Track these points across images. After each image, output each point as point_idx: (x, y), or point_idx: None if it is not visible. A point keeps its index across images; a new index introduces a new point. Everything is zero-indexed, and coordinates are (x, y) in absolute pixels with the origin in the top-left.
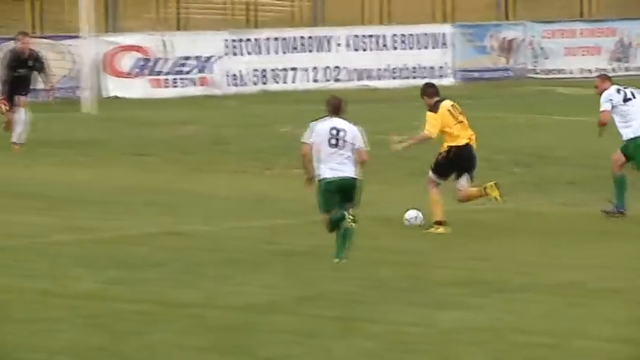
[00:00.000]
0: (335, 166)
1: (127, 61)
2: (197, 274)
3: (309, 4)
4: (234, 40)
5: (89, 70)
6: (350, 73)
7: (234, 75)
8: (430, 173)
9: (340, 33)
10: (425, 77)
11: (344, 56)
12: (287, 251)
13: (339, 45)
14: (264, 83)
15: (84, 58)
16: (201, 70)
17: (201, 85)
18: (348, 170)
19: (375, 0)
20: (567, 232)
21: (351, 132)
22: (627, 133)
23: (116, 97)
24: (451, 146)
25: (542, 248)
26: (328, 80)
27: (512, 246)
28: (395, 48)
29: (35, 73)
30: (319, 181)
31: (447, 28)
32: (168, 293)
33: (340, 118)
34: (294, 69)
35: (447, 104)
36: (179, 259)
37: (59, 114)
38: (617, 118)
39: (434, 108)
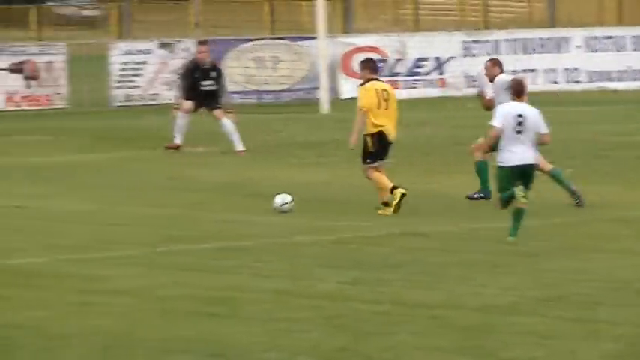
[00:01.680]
0: (518, 152)
1: None
2: (437, 275)
3: (542, 5)
4: (470, 42)
5: (326, 72)
6: (589, 75)
7: (472, 76)
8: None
9: (577, 34)
10: None
11: (582, 57)
12: (527, 252)
13: (578, 47)
14: None
15: (320, 60)
16: (437, 72)
17: (439, 86)
18: (529, 156)
19: (610, 0)
20: None
21: (533, 117)
22: None
23: (353, 99)
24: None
25: None
26: (568, 82)
27: None
28: (634, 50)
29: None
30: (501, 166)
31: None
32: (409, 294)
33: (523, 102)
34: (532, 70)
35: (377, 85)
36: (419, 260)
37: (297, 115)
38: None
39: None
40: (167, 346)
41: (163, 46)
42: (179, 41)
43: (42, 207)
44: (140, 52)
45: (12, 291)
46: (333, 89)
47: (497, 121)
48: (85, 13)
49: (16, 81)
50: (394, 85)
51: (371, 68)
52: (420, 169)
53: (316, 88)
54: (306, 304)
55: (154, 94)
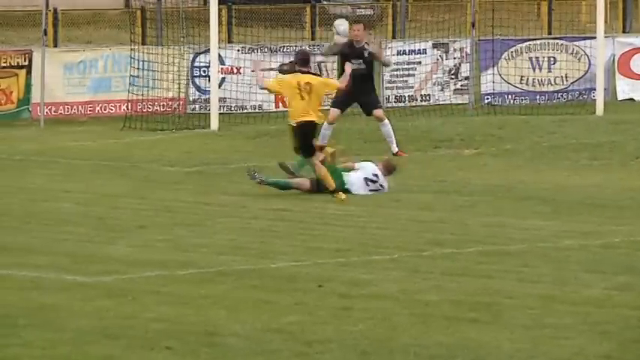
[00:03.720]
0: None
1: None
2: None
3: None
4: None
5: (603, 72)
6: None
7: None
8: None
9: None
10: None
11: None
12: None
13: None
14: None
15: (598, 60)
16: None
17: None
18: None
19: None
20: None
21: None
22: None
23: (631, 100)
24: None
25: None
26: None
27: None
28: None
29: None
30: None
31: None
32: None
33: None
34: None
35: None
36: None
37: (572, 116)
38: None
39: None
40: (427, 352)
41: (437, 46)
42: (454, 41)
43: (305, 209)
44: (413, 51)
45: (273, 295)
46: (610, 90)
47: None
48: (360, 12)
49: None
50: None
51: (299, 61)
52: None
53: (592, 89)
54: (572, 311)
55: (425, 95)
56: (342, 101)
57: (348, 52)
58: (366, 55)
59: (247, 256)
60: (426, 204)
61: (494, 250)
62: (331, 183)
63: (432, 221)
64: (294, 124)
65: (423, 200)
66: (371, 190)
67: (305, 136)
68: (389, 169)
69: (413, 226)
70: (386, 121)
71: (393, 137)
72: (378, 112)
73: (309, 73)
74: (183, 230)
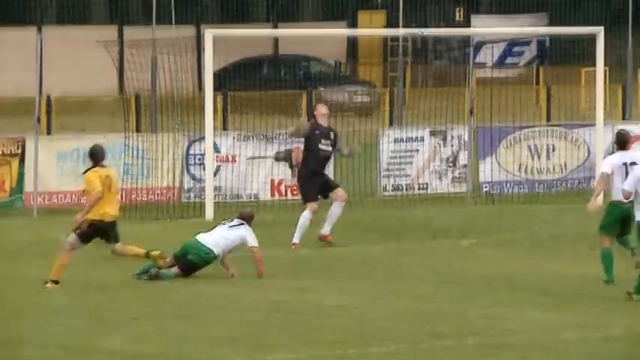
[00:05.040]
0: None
1: None
2: None
3: None
4: None
5: (602, 161)
6: None
7: None
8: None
9: None
10: None
11: None
12: None
13: None
14: None
15: (598, 148)
16: None
17: None
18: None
19: None
20: None
21: None
22: None
23: None
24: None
25: None
26: None
27: None
28: None
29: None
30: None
31: None
32: None
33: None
34: None
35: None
36: None
37: (571, 205)
38: None
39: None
40: None
41: (435, 133)
42: (452, 128)
43: (302, 300)
44: (411, 139)
45: None
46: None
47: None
48: (357, 98)
49: (281, 170)
50: None
51: (93, 156)
52: None
53: (592, 177)
54: None
55: (423, 183)
56: (313, 192)
57: (317, 133)
58: (332, 136)
59: (243, 348)
60: (423, 295)
61: (493, 342)
62: (139, 252)
63: (430, 312)
64: (106, 221)
65: (420, 291)
66: (233, 227)
67: (114, 229)
68: (245, 217)
69: (411, 317)
70: (344, 203)
71: (334, 220)
72: (340, 191)
73: (102, 166)
74: (178, 322)
